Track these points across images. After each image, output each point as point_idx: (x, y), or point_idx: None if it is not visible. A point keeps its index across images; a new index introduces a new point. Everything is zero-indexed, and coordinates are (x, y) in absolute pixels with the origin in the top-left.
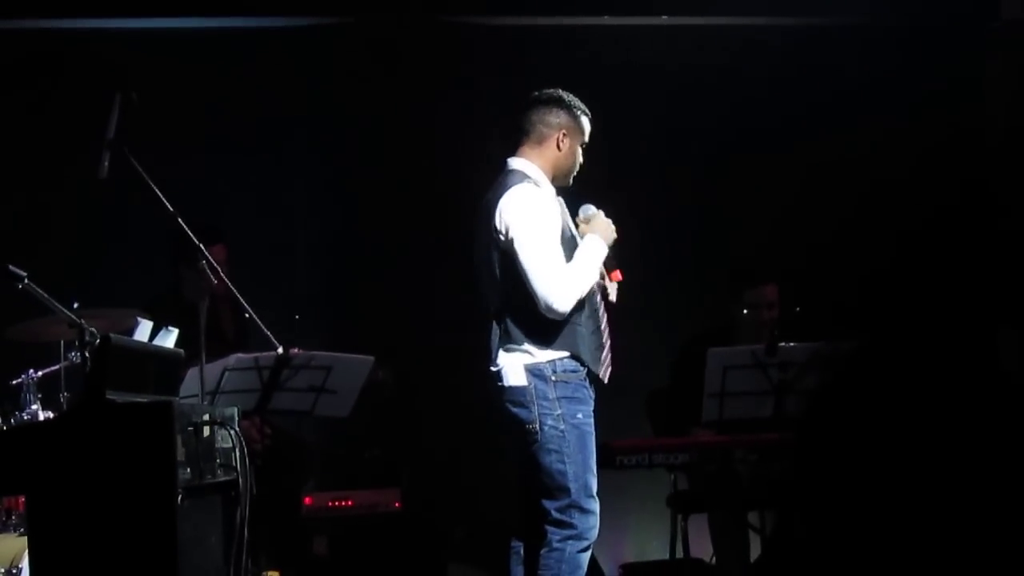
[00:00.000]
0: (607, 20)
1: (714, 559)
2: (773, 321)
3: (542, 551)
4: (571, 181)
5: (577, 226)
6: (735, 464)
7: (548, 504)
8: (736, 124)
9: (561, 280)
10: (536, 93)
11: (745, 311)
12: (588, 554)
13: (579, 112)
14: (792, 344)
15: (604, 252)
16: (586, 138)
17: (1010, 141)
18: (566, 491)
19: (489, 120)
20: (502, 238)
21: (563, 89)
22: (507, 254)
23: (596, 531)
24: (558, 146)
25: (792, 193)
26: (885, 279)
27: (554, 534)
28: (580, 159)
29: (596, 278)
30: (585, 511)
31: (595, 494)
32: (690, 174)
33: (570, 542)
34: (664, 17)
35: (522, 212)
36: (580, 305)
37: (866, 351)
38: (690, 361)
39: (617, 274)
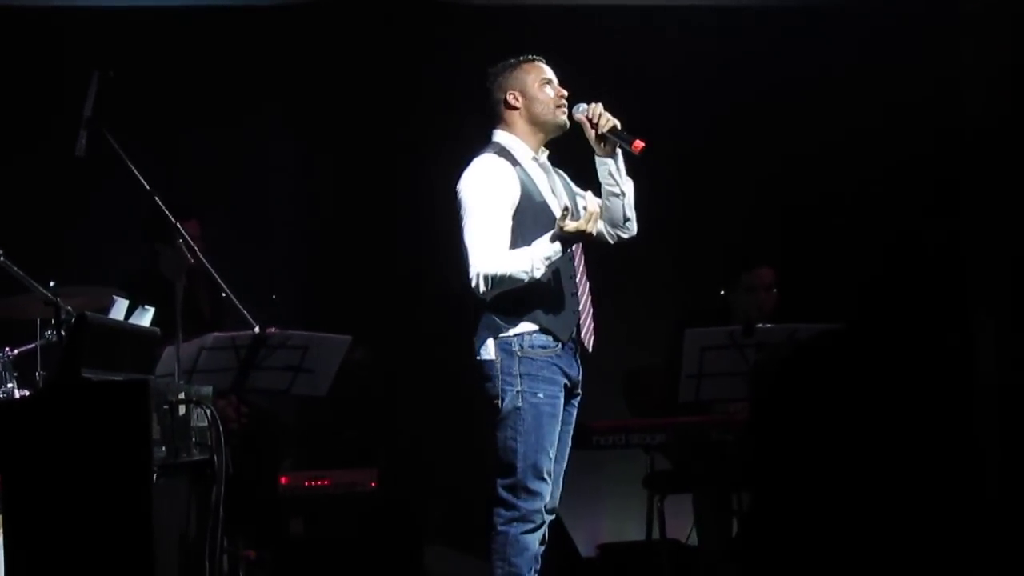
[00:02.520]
0: None
1: (692, 537)
2: (771, 304)
3: (491, 534)
4: (565, 117)
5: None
6: (717, 445)
7: (497, 480)
8: (717, 105)
9: (489, 260)
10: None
11: (735, 294)
12: (537, 535)
13: (513, 67)
14: (769, 325)
15: (555, 253)
16: (542, 74)
17: (986, 125)
18: (513, 469)
19: (472, 100)
20: (457, 210)
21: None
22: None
23: (542, 514)
24: (512, 106)
25: (774, 176)
26: (865, 265)
27: (498, 516)
28: (554, 93)
29: (537, 273)
30: (532, 492)
31: (546, 477)
32: (675, 153)
33: (514, 524)
34: None
35: (469, 182)
36: (548, 272)
37: (817, 338)
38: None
39: (639, 143)
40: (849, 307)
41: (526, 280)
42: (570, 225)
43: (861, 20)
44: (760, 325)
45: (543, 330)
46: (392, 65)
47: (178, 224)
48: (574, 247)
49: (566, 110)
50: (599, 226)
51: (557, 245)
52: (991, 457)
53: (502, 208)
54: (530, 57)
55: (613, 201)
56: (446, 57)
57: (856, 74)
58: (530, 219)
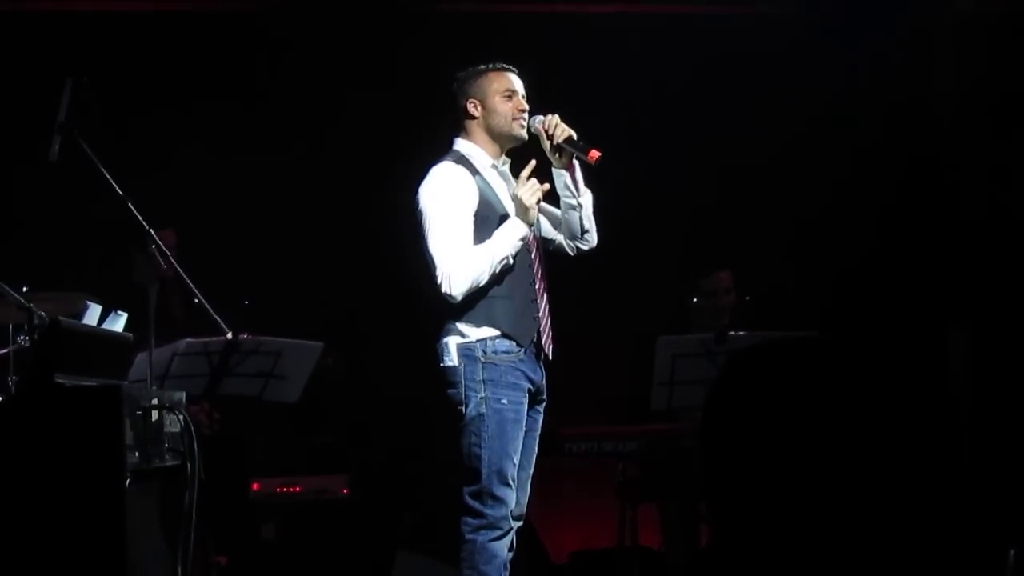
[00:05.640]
0: (560, 7)
1: (664, 547)
2: (731, 306)
3: (459, 542)
4: (523, 130)
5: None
6: (686, 453)
7: (463, 487)
8: (685, 111)
9: (454, 261)
10: None
11: (697, 299)
12: (504, 542)
13: (474, 75)
14: (742, 333)
15: (520, 232)
16: (506, 85)
17: (961, 135)
18: (478, 475)
19: (443, 107)
20: (418, 219)
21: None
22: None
23: (509, 520)
24: (471, 115)
25: (742, 181)
26: (837, 270)
27: (465, 525)
28: (513, 106)
29: (503, 258)
30: (497, 499)
31: (511, 482)
32: (642, 159)
33: (481, 532)
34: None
35: (428, 190)
36: (507, 280)
37: (762, 346)
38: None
39: (595, 153)
40: (813, 313)
41: (494, 270)
42: (519, 189)
43: (827, 29)
44: (732, 333)
45: (505, 335)
46: (368, 72)
47: (151, 230)
48: (534, 256)
49: (525, 123)
50: (553, 230)
51: (513, 223)
52: (962, 462)
53: (462, 212)
54: (498, 65)
55: (571, 213)
56: (421, 64)
57: (820, 82)
58: (490, 226)
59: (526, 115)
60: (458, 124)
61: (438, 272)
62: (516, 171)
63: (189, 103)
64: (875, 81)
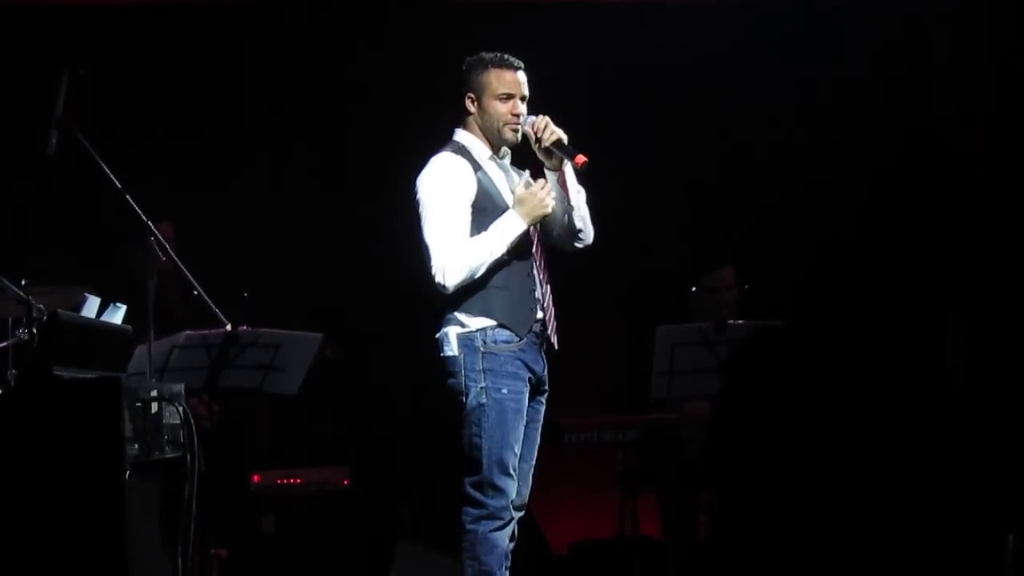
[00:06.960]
0: None
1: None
2: (733, 301)
3: (460, 532)
4: (515, 135)
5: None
6: (684, 443)
7: (464, 478)
8: (683, 99)
9: (450, 253)
10: None
11: (696, 289)
12: (506, 532)
13: (478, 66)
14: (740, 322)
15: (519, 229)
16: (504, 87)
17: (960, 119)
18: (479, 465)
19: (444, 98)
20: (415, 208)
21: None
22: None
23: (510, 510)
24: (469, 111)
25: (742, 168)
26: (834, 258)
27: (466, 515)
28: (507, 111)
29: (500, 253)
30: (498, 489)
31: (512, 472)
32: (642, 148)
33: (483, 522)
34: None
35: (426, 180)
36: (504, 271)
37: (772, 332)
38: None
39: (581, 158)
40: (810, 301)
41: (490, 263)
42: (519, 190)
43: (826, 12)
44: (731, 322)
45: (501, 325)
46: (367, 62)
47: (149, 223)
48: (534, 248)
49: (517, 127)
50: (552, 205)
51: (513, 219)
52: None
53: (459, 203)
54: (502, 60)
55: (564, 214)
56: (422, 54)
57: (820, 67)
58: (488, 219)
59: (521, 119)
60: (459, 113)
61: (433, 263)
62: (516, 164)
63: (187, 96)
64: (875, 66)
